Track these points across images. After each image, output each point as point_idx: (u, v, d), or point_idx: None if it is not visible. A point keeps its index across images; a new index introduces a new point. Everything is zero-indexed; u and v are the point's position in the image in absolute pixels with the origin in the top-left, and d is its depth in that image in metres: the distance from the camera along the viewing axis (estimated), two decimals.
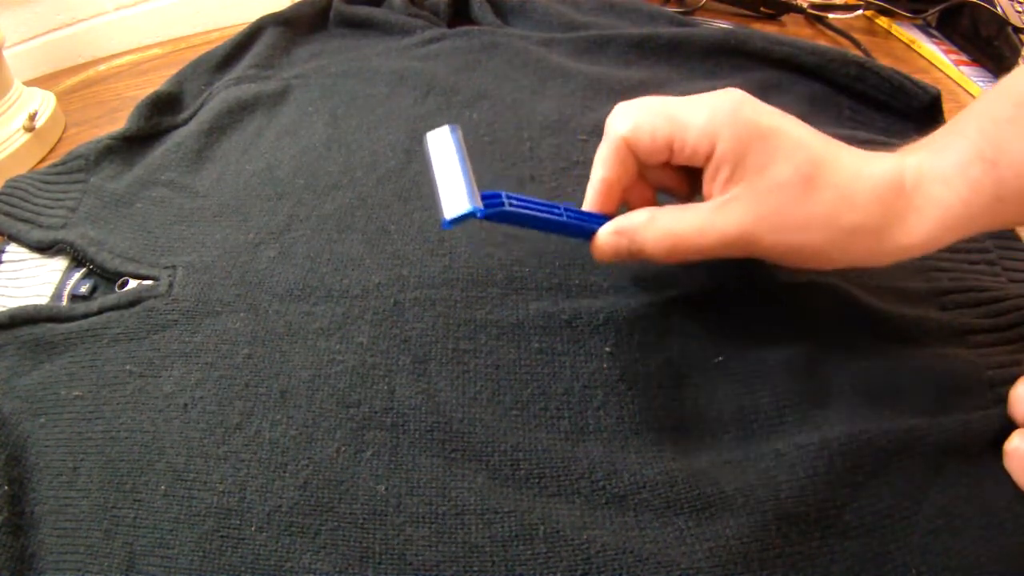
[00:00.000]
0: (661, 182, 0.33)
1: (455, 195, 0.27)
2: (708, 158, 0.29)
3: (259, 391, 0.32)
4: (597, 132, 0.46)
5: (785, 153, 0.27)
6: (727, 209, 0.28)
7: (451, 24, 0.62)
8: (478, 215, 0.27)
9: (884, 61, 0.53)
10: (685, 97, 0.30)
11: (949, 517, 0.27)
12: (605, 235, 0.31)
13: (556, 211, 0.31)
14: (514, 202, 0.30)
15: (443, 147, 0.29)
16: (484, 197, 0.29)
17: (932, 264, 0.37)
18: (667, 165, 0.31)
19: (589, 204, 0.32)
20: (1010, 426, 0.29)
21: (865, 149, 0.29)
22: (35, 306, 0.38)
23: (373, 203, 0.41)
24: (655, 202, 0.34)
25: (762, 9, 0.68)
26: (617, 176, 0.31)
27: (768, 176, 0.27)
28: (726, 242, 0.28)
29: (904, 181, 0.27)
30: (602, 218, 0.32)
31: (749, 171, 0.27)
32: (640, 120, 0.30)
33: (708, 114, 0.28)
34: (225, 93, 0.53)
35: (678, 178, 0.33)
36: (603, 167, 0.31)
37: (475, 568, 0.26)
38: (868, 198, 0.27)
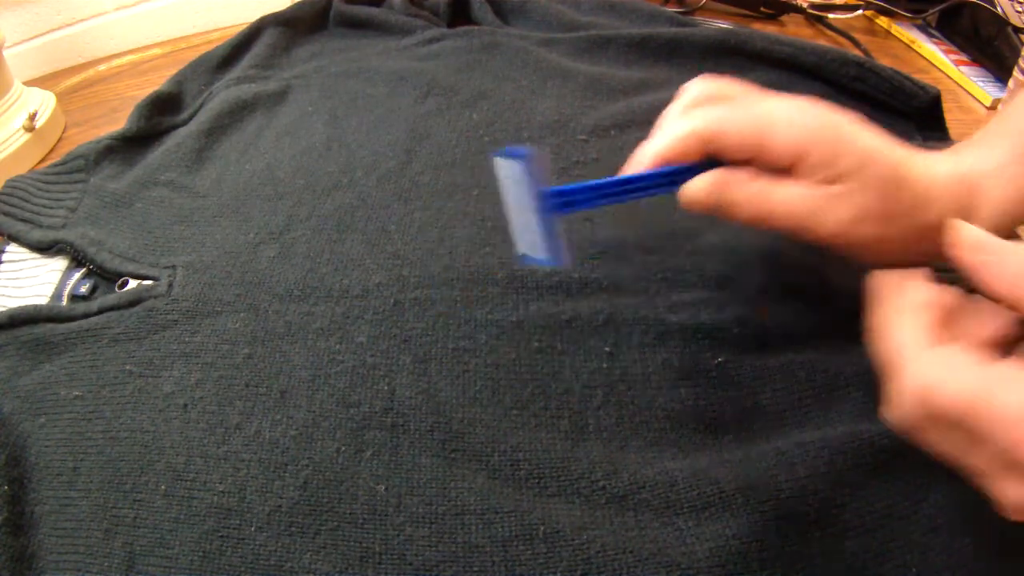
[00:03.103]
0: None
1: (533, 238, 0.28)
2: (795, 162, 0.28)
3: (259, 391, 0.32)
4: (597, 132, 0.46)
5: (877, 153, 0.29)
6: (830, 200, 0.28)
7: (451, 24, 0.62)
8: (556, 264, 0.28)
9: (884, 61, 0.53)
10: (762, 102, 0.30)
11: (949, 516, 0.27)
12: (706, 181, 0.29)
13: (632, 184, 0.29)
14: (579, 197, 0.29)
15: (516, 178, 0.28)
16: (554, 194, 0.28)
17: (933, 264, 0.37)
18: None
19: (666, 147, 0.30)
20: None
21: None
22: (35, 306, 0.38)
23: (373, 203, 0.41)
24: None
25: (762, 9, 0.69)
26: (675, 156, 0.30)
27: (867, 173, 0.28)
28: (812, 227, 0.29)
29: (967, 180, 0.30)
30: (676, 169, 0.30)
31: (846, 171, 0.28)
32: (726, 121, 0.29)
33: (798, 118, 0.28)
34: (225, 93, 0.53)
35: None
36: (665, 142, 0.30)
37: (475, 568, 0.26)
38: (941, 196, 0.29)
